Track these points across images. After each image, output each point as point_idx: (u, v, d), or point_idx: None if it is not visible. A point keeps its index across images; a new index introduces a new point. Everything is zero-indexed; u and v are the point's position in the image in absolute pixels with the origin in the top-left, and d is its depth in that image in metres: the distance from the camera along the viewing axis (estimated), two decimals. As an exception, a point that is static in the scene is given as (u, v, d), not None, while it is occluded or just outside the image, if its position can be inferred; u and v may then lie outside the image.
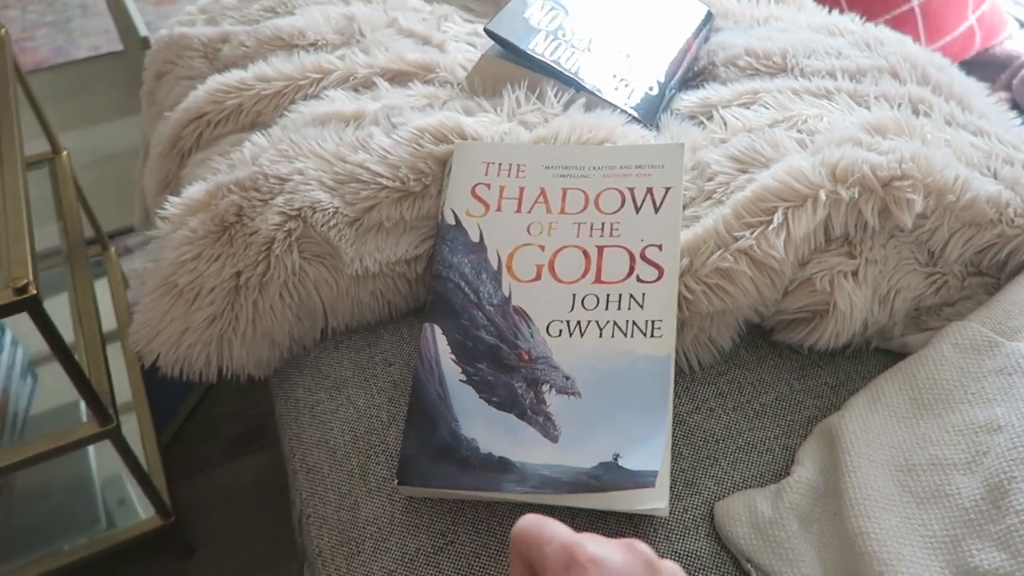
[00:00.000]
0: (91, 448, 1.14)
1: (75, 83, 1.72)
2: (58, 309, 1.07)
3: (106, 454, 0.96)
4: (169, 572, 1.10)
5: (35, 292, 0.73)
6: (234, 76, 0.82)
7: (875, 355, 0.66)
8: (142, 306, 0.66)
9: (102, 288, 1.31)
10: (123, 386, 1.19)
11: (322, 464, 0.62)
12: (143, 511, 1.06)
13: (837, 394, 0.63)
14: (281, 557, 1.09)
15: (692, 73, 0.87)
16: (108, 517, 1.09)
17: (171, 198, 0.70)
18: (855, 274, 0.61)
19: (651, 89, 0.79)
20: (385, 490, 0.59)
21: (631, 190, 0.63)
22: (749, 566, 0.53)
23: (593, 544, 0.35)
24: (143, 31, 1.48)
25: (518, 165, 0.66)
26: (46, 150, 1.19)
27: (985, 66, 1.26)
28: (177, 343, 0.65)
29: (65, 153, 1.19)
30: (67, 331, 1.01)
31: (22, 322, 0.74)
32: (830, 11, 0.93)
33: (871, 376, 0.62)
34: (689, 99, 0.80)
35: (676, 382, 0.63)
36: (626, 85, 0.78)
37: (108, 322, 1.23)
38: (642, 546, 0.36)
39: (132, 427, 1.14)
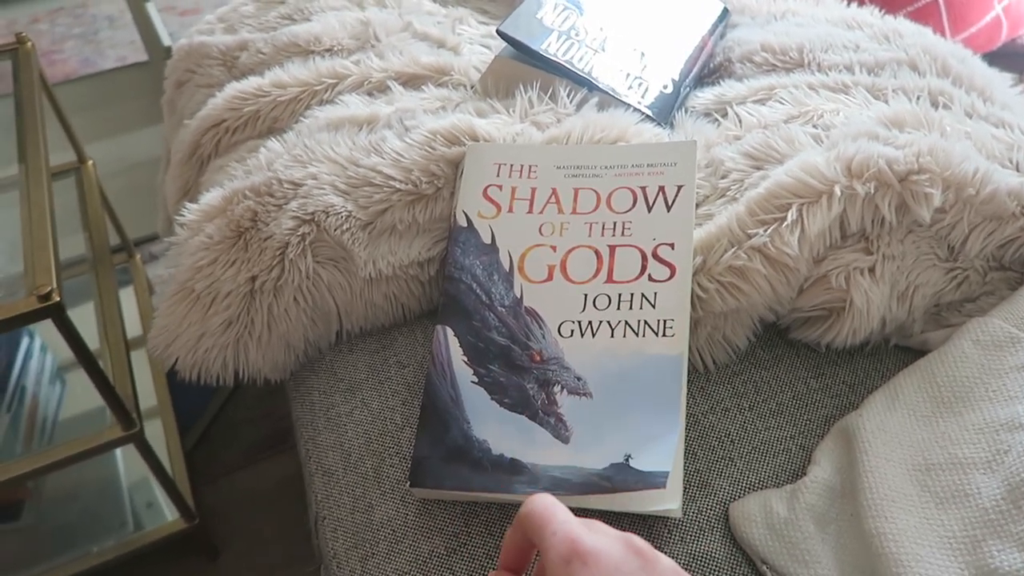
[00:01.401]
0: (119, 453, 1.16)
1: (103, 93, 1.76)
2: (86, 316, 1.09)
3: (134, 458, 0.98)
4: (194, 574, 1.12)
5: (59, 299, 0.74)
6: (251, 83, 0.83)
7: (894, 353, 0.65)
8: (160, 311, 0.67)
9: (128, 295, 1.34)
10: (148, 391, 1.21)
11: (337, 466, 0.63)
12: (170, 514, 1.08)
13: (855, 392, 0.62)
14: (304, 559, 1.10)
15: (708, 70, 0.86)
16: (136, 520, 1.11)
17: (189, 204, 0.71)
18: (872, 270, 0.60)
19: (666, 87, 0.78)
20: (399, 492, 0.59)
21: (643, 189, 0.63)
22: (764, 568, 0.53)
23: (592, 537, 0.36)
24: (167, 41, 1.51)
25: (530, 166, 0.66)
26: (72, 160, 1.21)
27: (1013, 57, 1.23)
28: (194, 347, 0.66)
29: (91, 163, 1.21)
30: (93, 337, 1.03)
31: (51, 329, 0.76)
32: (848, 4, 0.92)
33: (890, 374, 0.61)
34: (704, 96, 0.79)
35: (691, 382, 0.63)
36: (640, 84, 0.78)
37: (135, 328, 1.25)
38: (639, 541, 0.37)
39: (157, 432, 1.16)
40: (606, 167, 0.65)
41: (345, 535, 0.60)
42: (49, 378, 1.15)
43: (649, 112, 0.75)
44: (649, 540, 0.55)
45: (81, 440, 0.87)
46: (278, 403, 1.28)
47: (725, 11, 0.90)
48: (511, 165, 0.66)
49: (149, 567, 1.11)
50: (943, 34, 1.15)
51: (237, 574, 1.11)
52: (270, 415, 1.29)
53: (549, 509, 0.37)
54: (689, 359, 0.63)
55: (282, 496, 1.19)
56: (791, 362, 0.64)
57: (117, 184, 1.56)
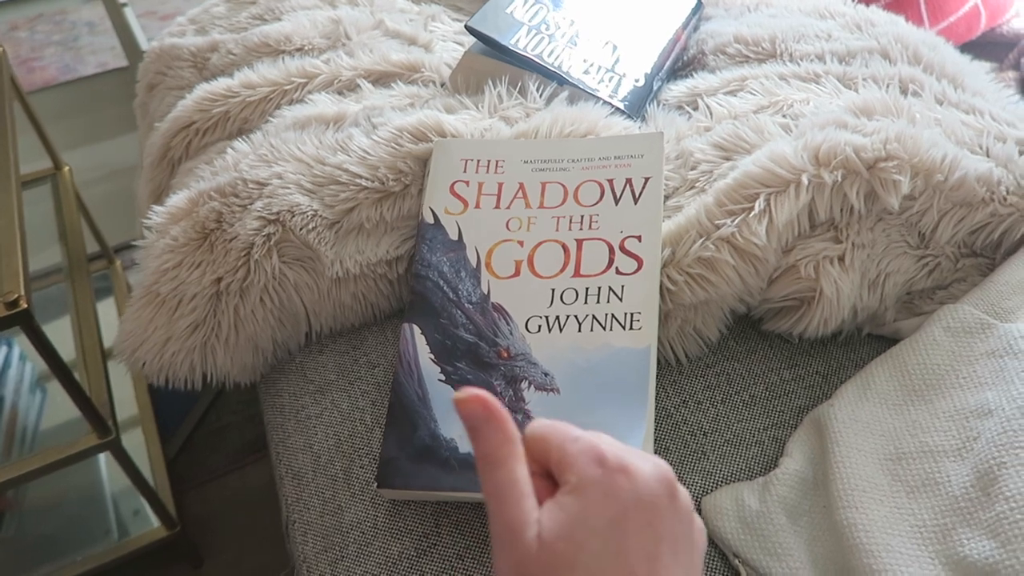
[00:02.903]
0: (102, 461, 1.16)
1: (83, 100, 1.75)
2: (67, 325, 1.09)
3: (118, 467, 0.97)
4: (179, 581, 1.11)
5: (26, 306, 0.73)
6: (220, 84, 0.82)
7: (867, 342, 0.64)
8: (126, 316, 0.66)
9: (110, 302, 1.33)
10: (130, 400, 1.20)
11: (306, 469, 0.62)
12: (156, 522, 1.07)
13: (829, 383, 0.62)
14: (286, 566, 1.09)
15: (681, 63, 0.86)
16: (123, 528, 1.10)
17: (155, 207, 0.70)
18: (841, 259, 0.59)
19: (638, 81, 0.78)
20: (368, 494, 0.59)
21: (610, 181, 0.62)
22: (737, 561, 0.52)
23: (621, 451, 0.34)
24: (145, 46, 1.50)
25: (497, 161, 0.66)
26: (48, 167, 1.20)
27: (992, 46, 1.23)
28: (161, 351, 0.65)
29: (67, 169, 1.20)
30: (72, 346, 1.03)
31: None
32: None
33: (863, 363, 0.60)
34: (677, 89, 0.79)
35: (662, 375, 0.62)
36: (612, 78, 0.77)
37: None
38: (667, 467, 0.35)
39: (138, 440, 1.15)
40: (573, 160, 0.64)
41: (315, 538, 0.59)
42: (29, 387, 1.15)
43: (621, 106, 0.74)
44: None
45: (56, 449, 0.86)
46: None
47: (699, 4, 0.90)
48: (478, 160, 0.66)
49: (134, 575, 1.11)
50: (922, 23, 1.15)
51: (222, 580, 1.11)
52: (254, 419, 1.28)
53: (558, 424, 0.35)
54: (660, 352, 0.62)
55: (268, 500, 1.18)
56: (764, 354, 0.64)
57: (98, 190, 1.55)
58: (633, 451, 0.36)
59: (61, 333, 1.08)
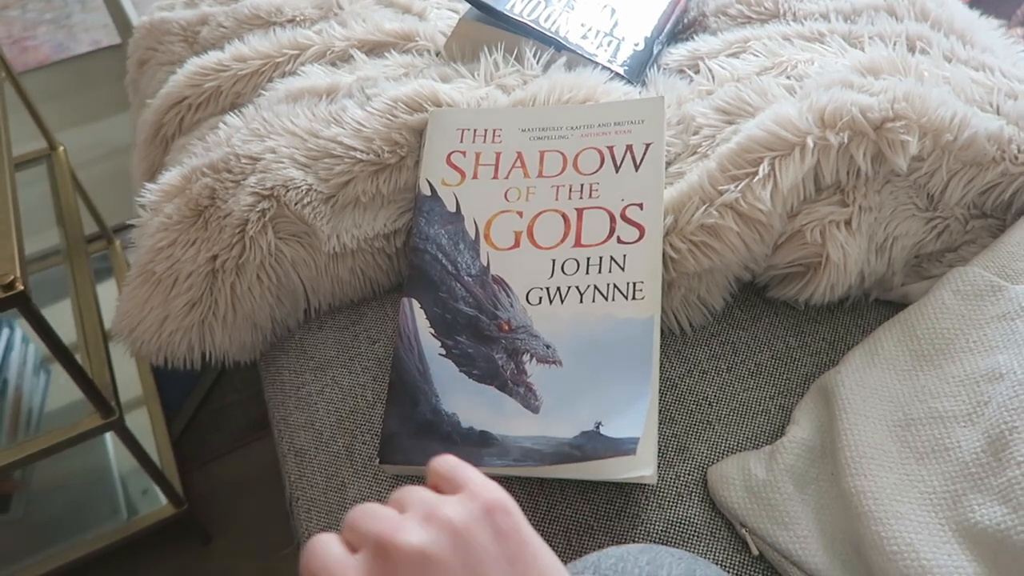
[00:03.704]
0: (109, 441, 1.16)
1: (78, 78, 1.72)
2: (68, 307, 1.08)
3: (125, 447, 0.97)
4: (189, 558, 1.11)
5: (23, 289, 0.72)
6: (211, 58, 0.81)
7: (875, 307, 0.63)
8: (122, 296, 0.66)
9: (111, 284, 1.32)
10: (133, 380, 1.19)
11: (309, 446, 0.61)
12: (164, 500, 1.07)
13: (835, 349, 0.61)
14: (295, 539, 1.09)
15: (682, 25, 0.84)
16: (131, 507, 1.10)
17: (148, 185, 0.69)
18: (848, 223, 0.58)
19: (637, 45, 0.76)
20: (371, 469, 0.58)
21: (610, 148, 0.61)
22: (744, 531, 0.51)
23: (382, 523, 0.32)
24: (136, 21, 1.47)
25: (494, 130, 0.64)
26: (43, 147, 1.19)
27: (1000, 2, 1.20)
28: (158, 331, 0.64)
29: (62, 149, 1.19)
30: (73, 328, 1.02)
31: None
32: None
33: (871, 329, 0.59)
34: (678, 52, 0.77)
35: (667, 345, 0.61)
36: (611, 42, 0.75)
37: (118, 315, 1.24)
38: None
39: (143, 420, 1.14)
40: (572, 128, 0.63)
41: (319, 515, 0.59)
42: (32, 369, 1.14)
43: (620, 70, 0.72)
44: (626, 508, 0.54)
45: (60, 430, 0.86)
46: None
47: (699, -36, 0.87)
48: (475, 130, 0.64)
49: (144, 553, 1.11)
50: (928, -20, 1.12)
51: (230, 557, 1.11)
52: (258, 397, 1.27)
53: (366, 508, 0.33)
54: (664, 322, 0.61)
55: (273, 477, 1.18)
56: (770, 321, 0.63)
57: (96, 170, 1.54)
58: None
59: (62, 315, 1.08)
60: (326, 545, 0.32)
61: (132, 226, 0.69)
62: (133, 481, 1.13)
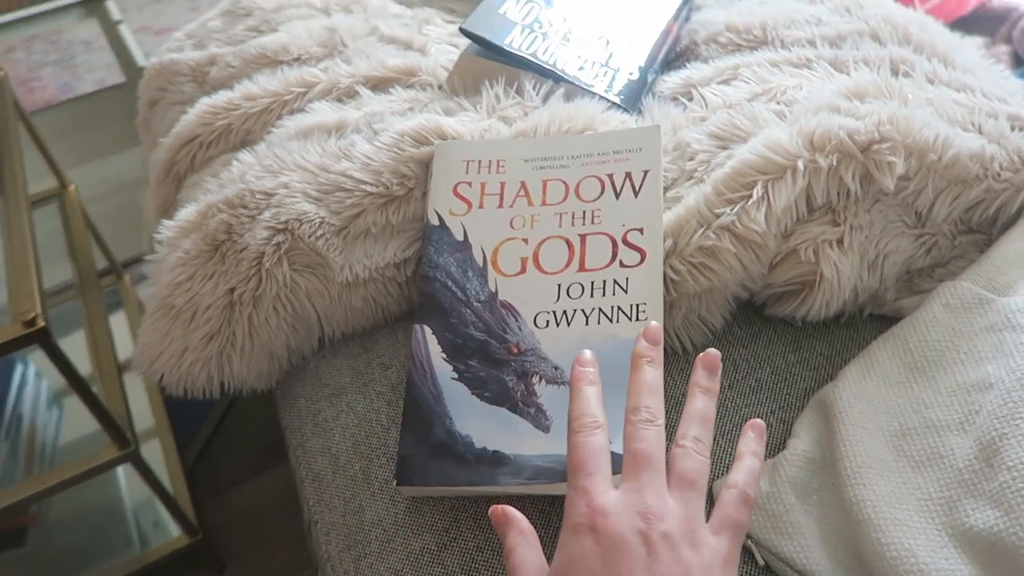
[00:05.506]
0: (120, 474, 1.17)
1: (83, 117, 1.76)
2: (81, 341, 1.10)
3: (137, 478, 0.99)
4: (203, 588, 1.13)
5: (43, 324, 0.74)
6: (222, 97, 0.84)
7: (870, 322, 0.65)
8: (143, 329, 0.68)
9: (120, 317, 1.34)
10: (145, 411, 1.21)
11: (326, 471, 0.63)
12: (175, 531, 1.09)
13: (833, 364, 0.63)
14: (308, 567, 1.10)
15: (674, 54, 0.87)
16: (143, 539, 1.12)
17: (166, 222, 0.71)
18: (840, 242, 0.60)
19: (632, 74, 0.79)
20: (388, 492, 0.60)
21: (610, 176, 0.64)
22: (750, 542, 0.53)
23: (607, 500, 0.40)
24: (142, 61, 1.51)
25: (498, 161, 0.67)
26: (54, 186, 1.22)
27: (984, 20, 1.24)
28: (178, 363, 0.66)
29: (73, 187, 1.22)
30: (87, 361, 1.04)
31: (44, 355, 0.77)
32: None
33: (866, 343, 0.61)
34: (671, 80, 0.80)
35: (669, 364, 0.63)
36: (607, 72, 0.78)
37: (128, 349, 1.26)
38: (651, 510, 0.40)
39: (156, 450, 1.16)
40: (573, 157, 0.65)
41: (338, 537, 0.60)
42: (46, 404, 1.16)
43: (617, 100, 0.75)
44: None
45: (77, 463, 0.88)
46: (276, 414, 1.28)
47: (689, -6, 0.91)
48: (479, 161, 0.67)
49: (159, 584, 1.12)
50: (912, 2, 1.15)
51: (245, 585, 1.12)
52: (269, 426, 1.29)
53: (589, 451, 0.42)
54: (666, 342, 0.63)
55: (285, 505, 1.19)
56: (768, 338, 0.65)
57: (103, 206, 1.56)
58: (626, 495, 0.40)
59: (74, 349, 1.10)
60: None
61: (140, 261, 0.71)
62: (144, 513, 1.14)
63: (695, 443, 0.43)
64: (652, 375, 0.45)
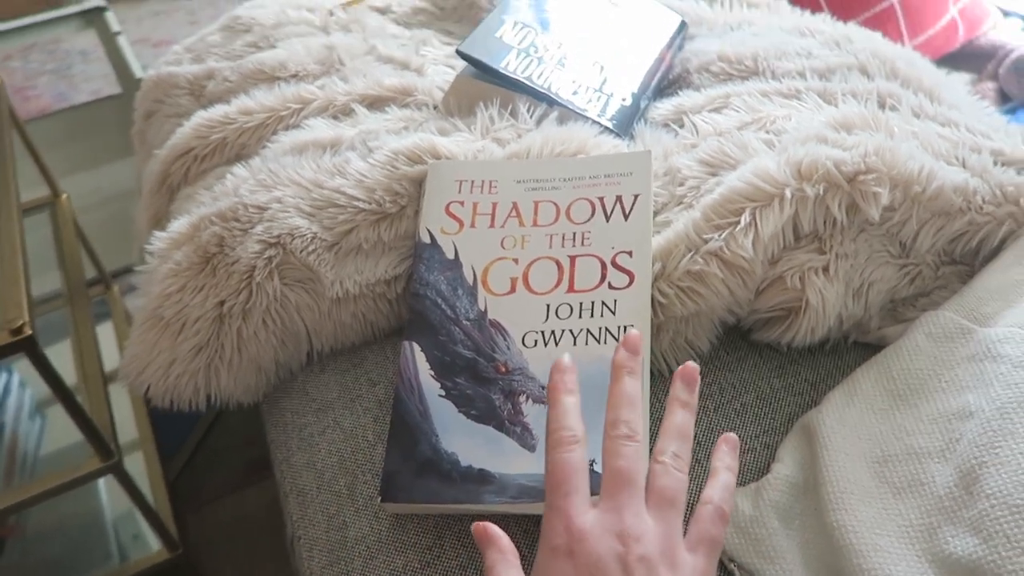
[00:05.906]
0: (102, 486, 1.16)
1: (78, 127, 1.76)
2: (67, 350, 1.10)
3: (118, 491, 0.98)
4: (182, 604, 1.11)
5: (31, 333, 0.74)
6: (218, 111, 0.84)
7: (854, 349, 0.66)
8: (131, 340, 0.68)
9: (108, 327, 1.34)
10: (130, 423, 1.21)
11: (310, 486, 0.63)
12: (155, 545, 1.07)
13: (817, 390, 0.64)
14: (290, 583, 1.09)
15: (667, 82, 0.88)
16: (122, 552, 1.10)
17: (157, 233, 0.71)
18: (826, 269, 0.61)
19: (625, 100, 0.80)
20: (372, 508, 0.60)
21: (601, 199, 0.64)
22: (732, 566, 0.53)
23: (584, 523, 0.41)
24: (139, 73, 1.52)
25: (490, 181, 0.68)
26: (47, 194, 1.22)
27: (971, 57, 1.26)
28: (166, 374, 0.66)
29: (65, 196, 1.22)
30: (72, 371, 1.04)
31: (28, 364, 0.76)
32: (804, 12, 0.94)
33: (850, 370, 0.62)
34: (663, 107, 0.81)
35: (656, 387, 0.64)
36: (600, 97, 0.79)
37: (115, 360, 1.25)
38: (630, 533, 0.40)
39: (139, 463, 1.15)
40: (564, 179, 0.66)
41: (320, 554, 0.60)
42: (28, 414, 1.15)
43: (609, 124, 0.76)
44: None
45: (59, 473, 0.87)
46: (261, 428, 1.28)
47: (683, 24, 0.92)
48: (472, 181, 0.68)
49: (136, 599, 1.11)
50: (901, 38, 1.18)
51: (224, 601, 1.11)
52: (254, 440, 1.28)
53: (567, 470, 0.43)
54: (653, 364, 0.64)
55: (269, 521, 1.18)
56: (754, 363, 0.66)
57: (95, 216, 1.56)
58: (604, 516, 0.41)
59: (60, 358, 1.09)
60: None
61: (130, 271, 0.71)
62: (124, 526, 1.13)
63: (674, 459, 0.43)
64: (631, 387, 0.45)
